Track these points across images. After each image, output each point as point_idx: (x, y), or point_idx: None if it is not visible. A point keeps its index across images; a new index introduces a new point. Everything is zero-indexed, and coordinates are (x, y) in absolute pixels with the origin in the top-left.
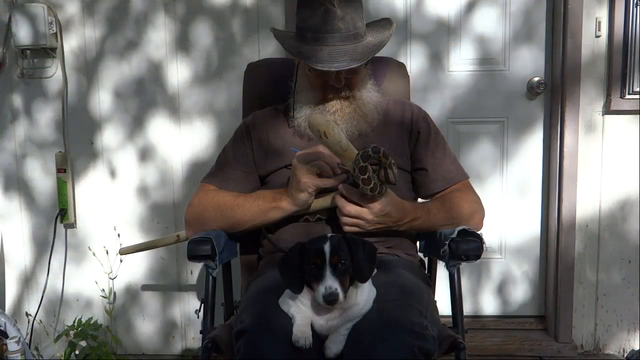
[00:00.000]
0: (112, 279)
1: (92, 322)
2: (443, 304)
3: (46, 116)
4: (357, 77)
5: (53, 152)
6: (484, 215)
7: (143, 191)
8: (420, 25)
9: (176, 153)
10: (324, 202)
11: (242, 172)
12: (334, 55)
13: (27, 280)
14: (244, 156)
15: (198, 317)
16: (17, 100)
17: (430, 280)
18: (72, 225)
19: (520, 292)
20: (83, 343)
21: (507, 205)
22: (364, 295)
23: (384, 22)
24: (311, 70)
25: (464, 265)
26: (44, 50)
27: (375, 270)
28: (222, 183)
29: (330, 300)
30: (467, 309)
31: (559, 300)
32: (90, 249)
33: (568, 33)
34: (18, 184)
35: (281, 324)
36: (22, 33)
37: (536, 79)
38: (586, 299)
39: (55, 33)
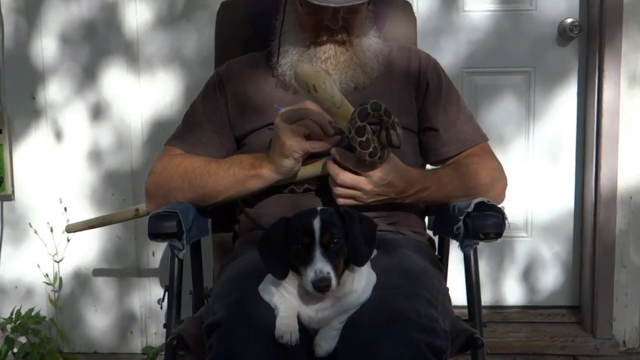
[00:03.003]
0: (58, 262)
1: (33, 314)
2: (457, 292)
3: None
4: (356, 17)
5: None
6: (506, 185)
7: (95, 156)
8: None
9: (135, 110)
10: (313, 169)
11: (215, 133)
12: None
13: None
14: (216, 114)
15: (161, 307)
16: None
17: (441, 264)
18: (9, 197)
19: (550, 278)
20: (22, 339)
21: (534, 173)
22: (362, 281)
23: None
24: (304, 5)
25: (482, 246)
26: None
27: (375, 252)
28: (191, 146)
29: (321, 287)
30: (485, 298)
31: (597, 287)
32: (31, 226)
33: None
34: None
35: (262, 316)
36: None
37: (569, 20)
38: (630, 286)
39: None
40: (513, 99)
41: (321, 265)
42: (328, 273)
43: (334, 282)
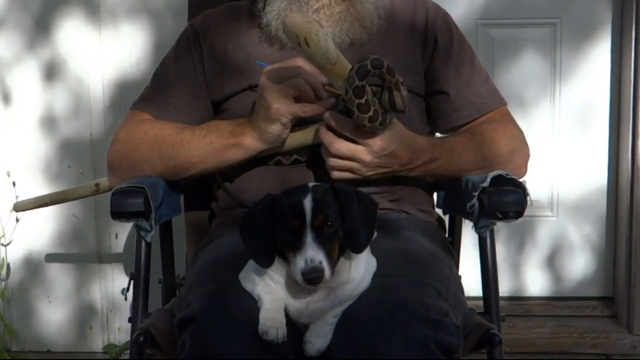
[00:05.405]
0: (5, 246)
1: None
2: (470, 280)
3: None
4: None
5: None
6: (528, 156)
7: (49, 123)
8: None
9: (95, 70)
10: (303, 137)
11: (189, 95)
12: None
13: None
14: (190, 73)
15: (126, 299)
16: None
17: (452, 248)
18: None
19: (579, 265)
20: None
21: (560, 142)
22: (360, 269)
23: None
24: None
25: (500, 227)
26: None
27: (376, 234)
28: (160, 111)
29: (312, 278)
30: (503, 287)
31: (634, 275)
32: None
33: None
34: None
35: (243, 308)
36: None
37: None
38: None
39: None
40: (536, 56)
41: (313, 253)
42: (320, 262)
43: (327, 272)
